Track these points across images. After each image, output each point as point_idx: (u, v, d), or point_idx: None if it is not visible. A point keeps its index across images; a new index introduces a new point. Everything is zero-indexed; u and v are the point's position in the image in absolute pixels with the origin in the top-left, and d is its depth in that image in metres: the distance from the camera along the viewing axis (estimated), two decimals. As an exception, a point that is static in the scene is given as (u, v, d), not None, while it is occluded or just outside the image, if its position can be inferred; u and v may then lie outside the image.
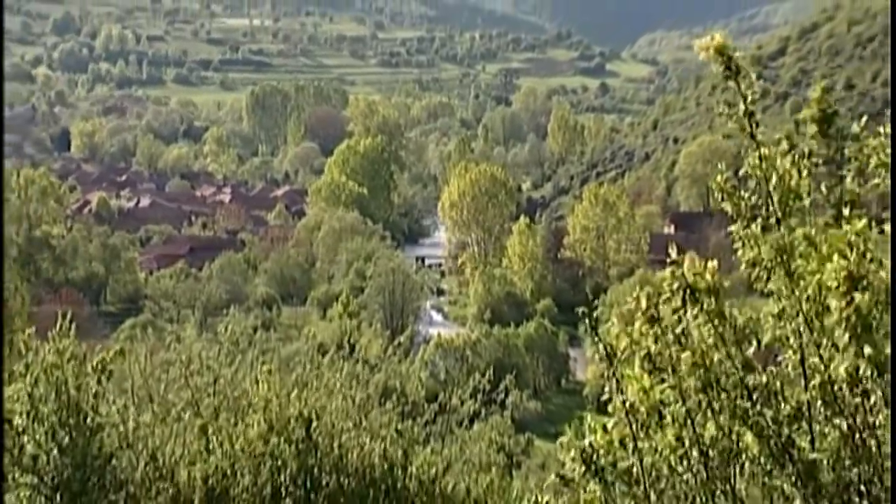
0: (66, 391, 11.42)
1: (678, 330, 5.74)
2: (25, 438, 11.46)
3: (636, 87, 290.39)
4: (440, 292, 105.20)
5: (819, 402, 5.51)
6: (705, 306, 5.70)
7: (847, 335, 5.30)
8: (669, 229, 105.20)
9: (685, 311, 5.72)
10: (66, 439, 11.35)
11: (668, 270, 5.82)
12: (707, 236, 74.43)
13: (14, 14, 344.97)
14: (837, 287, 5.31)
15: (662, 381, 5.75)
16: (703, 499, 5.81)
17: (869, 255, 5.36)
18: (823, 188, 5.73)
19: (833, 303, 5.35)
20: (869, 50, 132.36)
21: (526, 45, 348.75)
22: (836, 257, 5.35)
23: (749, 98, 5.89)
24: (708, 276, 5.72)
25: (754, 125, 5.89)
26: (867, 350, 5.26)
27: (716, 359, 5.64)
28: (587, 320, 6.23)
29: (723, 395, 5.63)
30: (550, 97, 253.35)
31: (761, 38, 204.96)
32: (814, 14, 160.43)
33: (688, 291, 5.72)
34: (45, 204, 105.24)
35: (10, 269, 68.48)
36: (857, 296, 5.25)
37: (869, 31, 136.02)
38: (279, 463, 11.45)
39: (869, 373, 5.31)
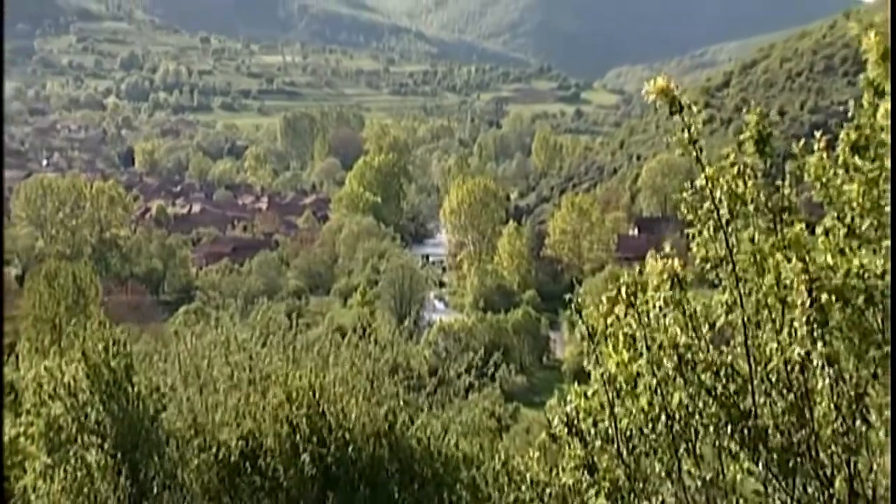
0: (114, 370, 11.47)
1: (652, 314, 5.72)
2: (89, 408, 11.47)
3: (606, 112, 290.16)
4: (442, 284, 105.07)
5: (768, 379, 5.48)
6: (671, 294, 5.68)
7: (805, 329, 5.26)
8: (634, 231, 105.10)
9: (659, 297, 5.70)
10: (116, 407, 11.37)
11: (658, 263, 5.79)
12: (665, 237, 74.24)
13: (90, 53, 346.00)
14: (796, 283, 5.26)
15: (640, 356, 5.74)
16: (668, 455, 5.79)
17: (823, 257, 5.32)
18: (762, 196, 5.69)
19: (791, 298, 5.30)
20: (797, 83, 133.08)
21: (513, 78, 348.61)
22: (794, 259, 5.30)
23: (692, 128, 5.85)
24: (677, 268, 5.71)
25: (699, 150, 5.85)
26: (819, 345, 5.22)
27: (683, 339, 5.62)
28: (572, 305, 6.22)
29: (689, 369, 5.61)
30: (534, 121, 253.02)
31: (709, 73, 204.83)
32: (752, 53, 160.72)
33: (675, 280, 5.71)
34: (114, 210, 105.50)
35: (86, 265, 68.33)
36: (824, 296, 5.20)
37: (797, 67, 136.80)
38: (294, 425, 11.46)
39: (819, 363, 5.27)
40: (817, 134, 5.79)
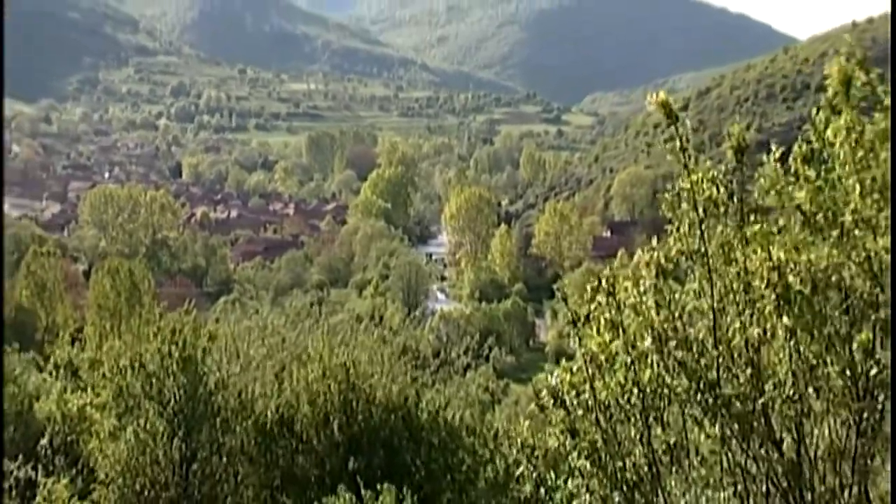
0: (187, 348, 11.51)
1: (629, 301, 5.73)
2: (154, 380, 11.51)
3: (583, 132, 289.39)
4: (443, 279, 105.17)
5: (730, 355, 5.49)
6: (654, 281, 5.69)
7: (773, 305, 5.26)
8: (607, 233, 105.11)
9: (643, 283, 5.70)
10: (183, 380, 11.41)
11: (645, 255, 5.77)
12: (633, 238, 74.35)
13: (145, 83, 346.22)
14: (760, 269, 5.27)
15: (617, 338, 5.74)
16: (640, 422, 5.80)
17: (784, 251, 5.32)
18: (733, 199, 5.69)
19: (757, 282, 5.30)
20: (745, 107, 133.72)
21: (504, 103, 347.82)
22: (759, 250, 5.31)
23: (684, 137, 5.84)
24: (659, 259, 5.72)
25: (688, 156, 5.83)
26: (785, 319, 5.23)
27: (659, 320, 5.61)
28: (559, 294, 6.23)
29: (664, 347, 5.60)
30: (521, 139, 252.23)
31: (670, 98, 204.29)
32: (707, 81, 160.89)
33: (659, 269, 5.71)
34: (164, 215, 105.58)
35: (141, 262, 68.22)
36: (791, 278, 5.20)
37: (745, 94, 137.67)
38: (328, 397, 11.46)
39: (783, 335, 5.27)
40: (768, 148, 5.82)
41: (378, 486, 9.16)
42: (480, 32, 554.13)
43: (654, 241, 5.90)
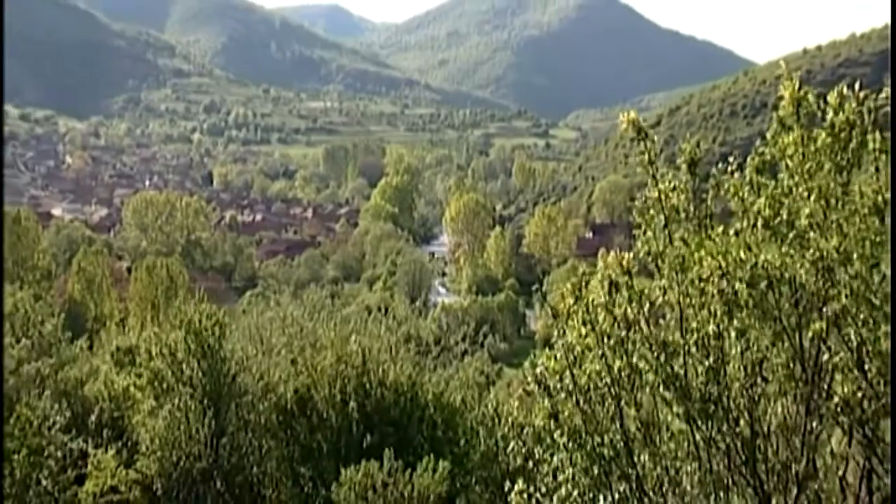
0: (204, 336, 11.48)
1: (599, 301, 5.71)
2: (184, 365, 11.50)
3: (568, 144, 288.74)
4: (444, 274, 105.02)
5: (695, 346, 5.47)
6: (623, 281, 5.67)
7: (722, 309, 5.26)
8: (589, 235, 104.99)
9: (609, 287, 5.67)
10: (205, 365, 11.39)
11: (610, 259, 5.76)
12: (613, 239, 74.31)
13: (181, 101, 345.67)
14: (712, 277, 5.27)
15: (590, 332, 5.72)
16: (614, 404, 5.80)
17: (733, 256, 5.30)
18: (691, 207, 5.68)
19: (709, 288, 5.30)
20: (710, 123, 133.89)
21: (498, 118, 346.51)
22: (710, 259, 5.30)
23: (652, 152, 5.85)
24: (625, 262, 5.71)
25: (656, 169, 5.84)
26: (735, 322, 5.22)
27: (630, 315, 5.60)
28: (540, 293, 6.23)
29: (631, 341, 5.58)
30: (514, 151, 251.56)
31: (645, 115, 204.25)
32: (677, 100, 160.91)
33: (623, 271, 5.70)
34: (198, 219, 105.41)
35: (176, 260, 68.05)
36: (738, 285, 5.19)
37: (710, 111, 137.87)
38: (344, 380, 11.44)
39: (733, 335, 5.27)
40: (730, 159, 5.85)
41: (384, 458, 9.15)
42: (477, 56, 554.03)
43: (631, 241, 5.91)
